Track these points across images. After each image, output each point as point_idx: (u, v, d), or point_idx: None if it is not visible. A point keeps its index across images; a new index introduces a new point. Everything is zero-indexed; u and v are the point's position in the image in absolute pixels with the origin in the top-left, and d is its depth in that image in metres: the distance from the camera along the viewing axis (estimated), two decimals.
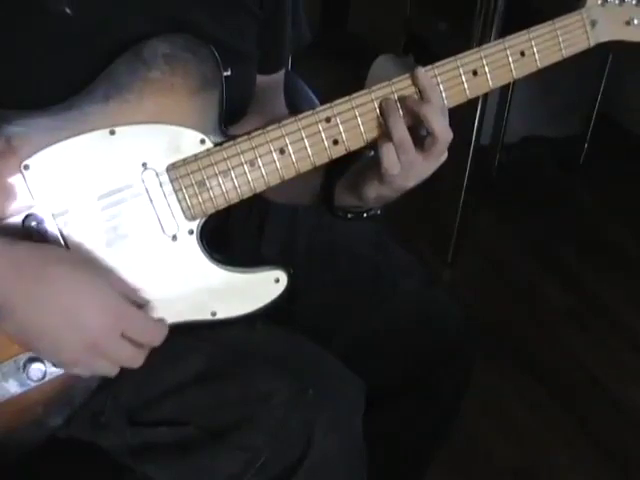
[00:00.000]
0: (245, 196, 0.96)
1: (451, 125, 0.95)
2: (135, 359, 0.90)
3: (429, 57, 0.98)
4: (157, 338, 0.91)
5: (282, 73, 1.18)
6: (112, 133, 0.91)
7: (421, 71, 0.95)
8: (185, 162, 0.93)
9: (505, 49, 0.97)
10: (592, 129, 3.05)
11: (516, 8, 2.35)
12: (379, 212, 1.06)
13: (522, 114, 2.98)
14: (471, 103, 1.00)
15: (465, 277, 2.49)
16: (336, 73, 3.30)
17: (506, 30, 0.99)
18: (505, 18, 2.33)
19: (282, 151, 0.95)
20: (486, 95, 2.31)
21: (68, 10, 0.90)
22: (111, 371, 0.90)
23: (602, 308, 2.38)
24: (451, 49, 0.98)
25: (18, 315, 0.84)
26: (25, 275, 0.83)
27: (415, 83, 0.95)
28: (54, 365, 0.91)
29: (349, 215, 1.07)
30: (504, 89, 2.85)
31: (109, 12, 0.93)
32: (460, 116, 1.04)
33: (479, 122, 2.36)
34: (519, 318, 2.33)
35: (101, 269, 0.91)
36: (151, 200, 0.93)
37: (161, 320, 0.93)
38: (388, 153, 0.93)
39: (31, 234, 0.90)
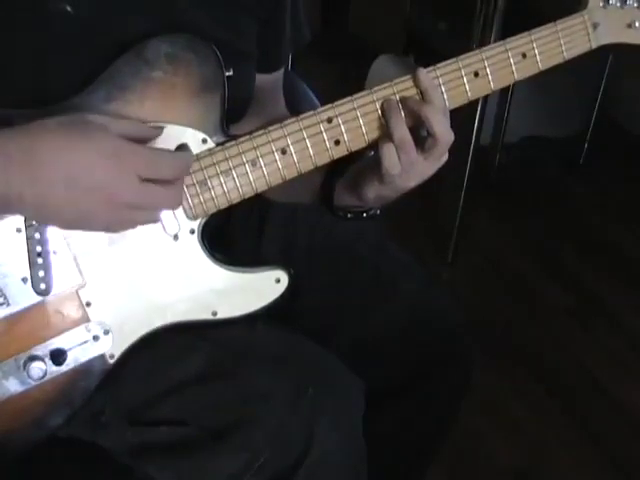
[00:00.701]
0: (247, 196, 0.96)
1: (451, 125, 0.95)
2: (169, 198, 0.87)
3: (429, 57, 0.98)
4: (180, 167, 0.87)
5: (281, 72, 1.18)
6: None
7: (423, 72, 0.95)
8: None
9: (507, 51, 0.97)
10: (592, 129, 3.06)
11: (516, 8, 2.35)
12: (378, 212, 1.06)
13: (522, 114, 2.99)
14: (471, 103, 1.00)
15: (465, 277, 2.49)
16: (336, 73, 3.30)
17: (506, 30, 0.99)
18: (505, 18, 2.34)
19: (284, 151, 0.95)
20: (486, 95, 2.32)
21: (69, 8, 0.90)
22: (151, 218, 0.87)
23: (602, 308, 2.38)
24: (451, 49, 0.98)
25: (28, 201, 0.81)
26: (15, 159, 0.80)
27: (417, 84, 0.95)
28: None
29: (349, 215, 1.07)
30: (504, 89, 2.85)
31: (110, 11, 0.93)
32: (460, 116, 1.04)
33: (479, 122, 2.36)
34: (519, 318, 2.33)
35: (91, 117, 0.86)
36: None
37: (183, 147, 0.88)
38: (389, 153, 0.93)
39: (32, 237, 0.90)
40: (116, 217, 0.86)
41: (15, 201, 0.81)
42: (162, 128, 0.91)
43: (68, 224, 0.87)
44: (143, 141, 0.88)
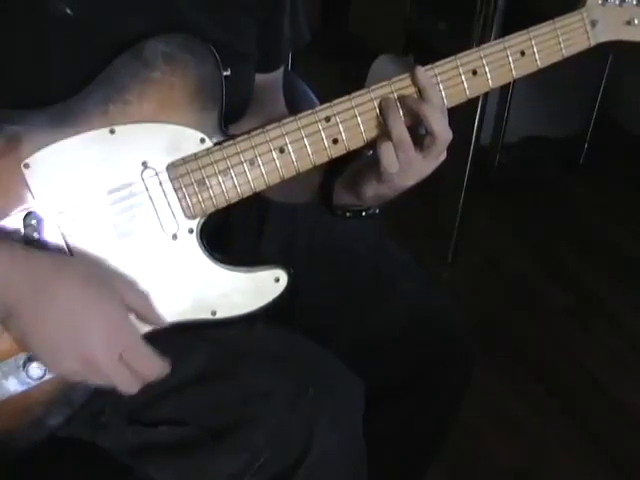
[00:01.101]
0: (245, 195, 0.96)
1: (451, 125, 0.95)
2: (129, 385, 0.90)
3: (429, 57, 0.98)
4: (152, 372, 0.90)
5: (281, 72, 1.18)
6: (112, 132, 0.91)
7: (421, 70, 0.95)
8: (185, 161, 0.93)
9: (505, 49, 0.97)
10: (592, 129, 3.06)
11: (516, 8, 2.35)
12: (377, 211, 1.06)
13: (522, 114, 2.99)
14: (471, 103, 1.00)
15: (465, 277, 2.49)
16: (336, 73, 3.30)
17: (506, 30, 0.99)
18: (505, 18, 2.34)
19: (282, 150, 0.95)
20: (486, 95, 2.32)
21: (68, 10, 0.91)
22: (106, 385, 0.90)
23: (602, 308, 2.38)
24: (451, 49, 0.98)
25: (24, 320, 0.85)
26: (38, 284, 0.85)
27: (415, 82, 0.95)
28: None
29: (348, 214, 1.07)
30: (504, 89, 2.85)
31: (109, 12, 0.93)
32: (460, 116, 1.04)
33: (479, 122, 2.36)
34: (519, 318, 2.33)
35: (114, 283, 0.90)
36: (151, 199, 0.93)
37: (163, 359, 0.91)
38: (387, 152, 0.93)
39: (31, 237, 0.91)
40: (83, 373, 0.89)
41: (13, 313, 0.85)
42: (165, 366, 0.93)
43: (40, 355, 0.89)
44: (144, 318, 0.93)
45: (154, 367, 0.90)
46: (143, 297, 0.93)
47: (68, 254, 0.92)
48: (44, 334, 0.86)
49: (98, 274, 0.90)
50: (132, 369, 0.88)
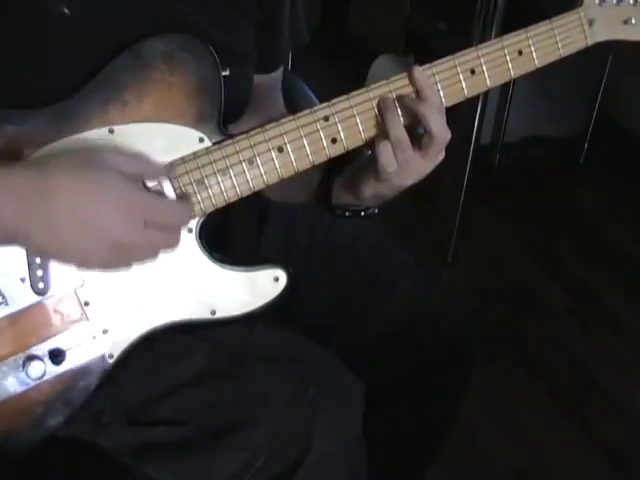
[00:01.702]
0: (244, 195, 0.96)
1: (451, 124, 0.95)
2: (169, 242, 0.90)
3: (429, 57, 0.98)
4: (182, 216, 0.90)
5: (280, 72, 1.18)
6: (111, 132, 0.91)
7: (418, 70, 0.95)
8: (184, 161, 0.93)
9: (503, 48, 0.97)
10: (592, 129, 3.06)
11: (516, 8, 2.35)
12: (376, 211, 1.06)
13: (522, 114, 2.99)
14: (471, 103, 1.00)
15: (465, 277, 2.49)
16: (336, 73, 3.30)
17: (506, 30, 0.99)
18: (505, 18, 2.34)
19: (280, 150, 0.95)
20: (486, 95, 2.32)
21: (67, 11, 0.91)
22: (150, 258, 0.90)
23: (602, 308, 2.38)
24: (451, 49, 0.98)
25: (35, 238, 0.83)
26: (27, 197, 0.82)
27: (412, 82, 0.95)
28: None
29: (346, 214, 1.07)
30: (504, 89, 2.85)
31: (108, 13, 0.93)
32: (460, 116, 1.04)
33: (479, 122, 2.36)
34: (519, 318, 2.33)
35: (105, 160, 0.87)
36: None
37: (185, 197, 0.92)
38: (385, 151, 0.93)
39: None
40: (118, 258, 0.88)
41: (21, 237, 0.83)
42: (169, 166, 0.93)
43: (70, 261, 0.89)
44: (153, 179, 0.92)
45: (181, 212, 0.91)
46: (136, 156, 0.91)
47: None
48: (62, 242, 0.84)
49: (86, 160, 0.87)
50: (162, 227, 0.88)
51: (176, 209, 0.91)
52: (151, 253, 0.89)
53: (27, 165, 0.86)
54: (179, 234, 0.91)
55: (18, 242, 0.85)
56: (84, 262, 0.88)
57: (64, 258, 0.88)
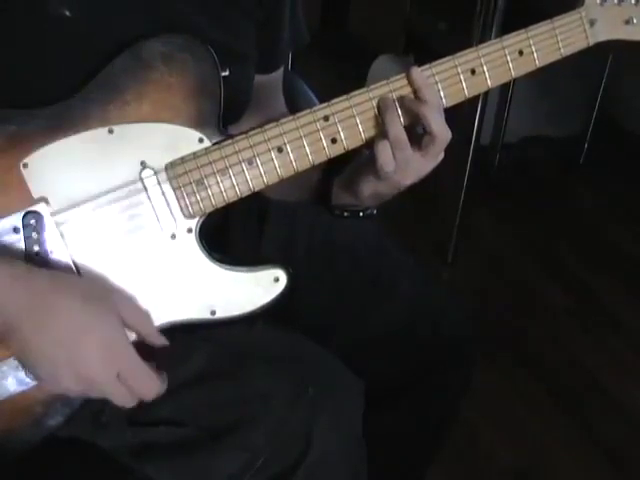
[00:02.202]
0: (243, 195, 0.96)
1: (451, 125, 0.94)
2: (126, 401, 0.90)
3: (429, 57, 0.98)
4: (150, 391, 0.90)
5: (280, 72, 1.18)
6: (110, 132, 0.91)
7: (416, 70, 0.94)
8: (183, 161, 0.93)
9: (503, 48, 0.97)
10: (592, 129, 3.06)
11: (516, 8, 2.36)
12: (375, 211, 1.06)
13: (522, 114, 2.99)
14: (471, 103, 1.00)
15: (465, 277, 2.49)
16: (336, 73, 3.31)
17: (506, 30, 0.99)
18: (505, 18, 2.34)
19: (280, 150, 0.95)
20: (486, 95, 2.32)
21: (67, 12, 0.91)
22: (104, 398, 0.90)
23: (602, 308, 2.39)
24: (451, 49, 0.98)
25: (22, 337, 0.85)
26: (36, 303, 0.84)
27: (410, 82, 0.95)
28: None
29: (345, 213, 1.07)
30: (504, 89, 2.85)
31: (108, 14, 0.93)
32: (460, 116, 1.04)
33: (479, 122, 2.36)
34: (519, 318, 2.33)
35: (113, 300, 0.90)
36: (149, 198, 0.93)
37: (161, 376, 0.91)
38: (383, 150, 0.93)
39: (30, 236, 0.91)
40: (81, 390, 0.89)
41: (12, 329, 0.85)
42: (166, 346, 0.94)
43: (39, 373, 0.89)
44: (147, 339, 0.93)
45: (151, 387, 0.90)
46: (141, 314, 0.93)
47: (67, 255, 0.92)
48: (42, 351, 0.86)
49: (97, 291, 0.90)
50: (129, 387, 0.88)
51: (151, 383, 0.90)
52: (106, 397, 0.90)
53: (47, 273, 0.88)
54: (136, 401, 0.90)
55: (6, 331, 0.85)
56: (50, 378, 0.88)
57: (35, 366, 0.88)
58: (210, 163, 0.94)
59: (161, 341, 0.93)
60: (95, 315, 0.87)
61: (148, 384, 0.90)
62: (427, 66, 0.96)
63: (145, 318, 0.93)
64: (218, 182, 0.94)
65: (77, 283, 0.90)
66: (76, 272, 0.92)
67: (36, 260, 0.91)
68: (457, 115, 1.01)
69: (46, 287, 0.86)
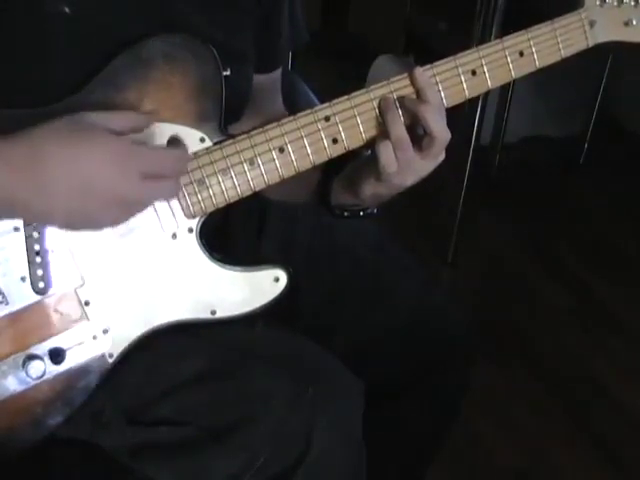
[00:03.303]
0: (245, 195, 0.96)
1: (451, 125, 0.95)
2: (169, 191, 0.90)
3: (429, 57, 0.98)
4: (178, 163, 0.90)
5: (279, 72, 1.18)
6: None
7: (419, 71, 0.95)
8: None
9: (504, 49, 0.97)
10: (592, 129, 3.06)
11: (516, 8, 2.36)
12: (375, 211, 1.06)
13: (522, 114, 2.99)
14: (471, 103, 1.00)
15: (465, 277, 2.49)
16: (336, 73, 3.30)
17: (506, 30, 0.99)
18: (505, 18, 2.34)
19: (281, 150, 0.95)
20: (486, 95, 2.32)
21: (67, 10, 0.90)
22: (160, 199, 0.90)
23: (602, 308, 2.39)
24: (451, 49, 0.98)
25: (34, 209, 0.83)
26: (19, 167, 0.81)
27: (413, 83, 0.95)
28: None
29: (345, 213, 1.07)
30: (504, 89, 2.86)
31: (108, 12, 0.93)
32: (460, 116, 1.04)
33: (479, 122, 2.36)
34: (519, 318, 2.33)
35: (90, 120, 0.87)
36: None
37: (175, 141, 0.91)
38: (386, 151, 0.93)
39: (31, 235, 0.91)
40: (126, 212, 0.88)
41: (20, 208, 0.83)
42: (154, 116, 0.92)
43: (73, 227, 0.89)
44: (140, 130, 0.90)
45: (175, 161, 0.90)
46: (121, 112, 0.90)
47: (69, 253, 0.92)
48: (63, 212, 0.84)
49: (71, 124, 0.86)
50: (159, 177, 0.87)
51: (171, 156, 0.90)
52: (154, 201, 0.90)
53: (17, 135, 0.83)
54: (178, 182, 0.90)
55: (19, 214, 0.85)
56: (92, 225, 0.88)
57: (71, 225, 0.87)
58: (211, 163, 0.94)
59: (149, 121, 0.91)
60: (83, 141, 0.84)
61: (171, 161, 0.89)
62: (429, 66, 0.96)
63: (124, 113, 0.90)
64: (219, 182, 0.94)
65: (45, 126, 0.84)
66: (77, 271, 0.93)
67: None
68: (457, 115, 1.01)
69: (18, 147, 0.82)
